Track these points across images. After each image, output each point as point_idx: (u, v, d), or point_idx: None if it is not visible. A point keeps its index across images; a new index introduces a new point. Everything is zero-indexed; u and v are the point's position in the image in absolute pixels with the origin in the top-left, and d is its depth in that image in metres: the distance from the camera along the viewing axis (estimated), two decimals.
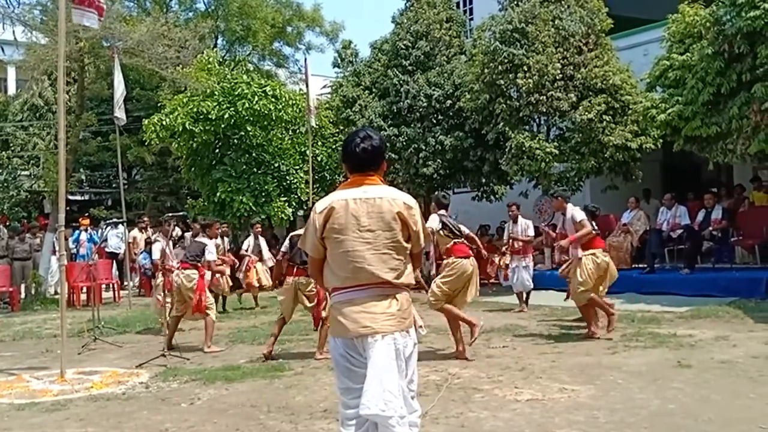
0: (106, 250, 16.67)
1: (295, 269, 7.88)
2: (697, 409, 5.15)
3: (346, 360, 3.24)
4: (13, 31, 14.01)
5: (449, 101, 15.54)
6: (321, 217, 3.29)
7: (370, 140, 3.34)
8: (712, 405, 5.26)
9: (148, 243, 13.29)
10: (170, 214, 10.77)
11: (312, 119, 15.36)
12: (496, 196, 16.83)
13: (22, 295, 14.81)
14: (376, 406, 3.06)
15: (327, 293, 3.56)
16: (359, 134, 3.39)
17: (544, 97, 13.56)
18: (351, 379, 3.24)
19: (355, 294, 3.25)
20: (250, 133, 17.18)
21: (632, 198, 13.68)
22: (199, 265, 8.68)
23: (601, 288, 8.50)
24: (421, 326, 3.46)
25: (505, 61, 13.74)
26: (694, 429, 4.75)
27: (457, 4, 19.55)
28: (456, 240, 7.62)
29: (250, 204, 16.54)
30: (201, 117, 16.60)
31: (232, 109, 16.50)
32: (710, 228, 12.26)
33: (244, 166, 17.19)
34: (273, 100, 16.80)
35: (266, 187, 16.98)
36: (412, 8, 16.81)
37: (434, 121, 15.79)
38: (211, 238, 9.25)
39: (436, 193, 8.83)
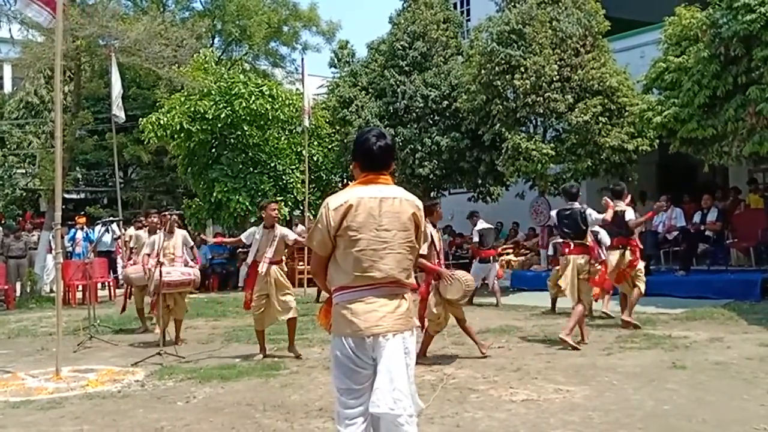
0: (98, 249, 16.59)
1: None
2: (692, 410, 5.17)
3: (351, 361, 3.21)
4: (10, 29, 14.03)
5: (446, 102, 15.55)
6: (337, 215, 3.23)
7: (384, 138, 3.34)
8: (707, 406, 5.28)
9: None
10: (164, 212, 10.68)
11: (306, 120, 15.30)
12: (492, 197, 16.86)
13: (18, 293, 14.79)
14: (386, 404, 3.08)
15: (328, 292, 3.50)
16: (372, 132, 3.36)
17: (541, 99, 13.57)
18: (352, 380, 3.23)
19: (365, 293, 3.22)
20: (247, 133, 17.19)
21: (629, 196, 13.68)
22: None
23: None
24: (417, 326, 3.47)
25: (502, 62, 13.75)
26: (688, 430, 4.77)
27: (455, 5, 19.56)
28: None
29: (246, 204, 16.53)
30: (198, 116, 16.60)
31: (228, 108, 16.50)
32: (702, 226, 12.30)
33: (241, 166, 17.19)
34: (270, 99, 16.81)
35: (262, 186, 16.98)
36: (409, 9, 16.82)
37: (431, 122, 15.80)
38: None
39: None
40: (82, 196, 27.33)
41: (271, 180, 17.43)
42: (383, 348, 3.16)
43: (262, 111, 16.63)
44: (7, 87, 28.50)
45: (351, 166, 3.44)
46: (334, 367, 3.31)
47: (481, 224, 12.51)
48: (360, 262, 3.22)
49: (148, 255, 9.45)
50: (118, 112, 13.85)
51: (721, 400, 5.45)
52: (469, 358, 7.47)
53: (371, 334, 3.17)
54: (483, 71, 14.10)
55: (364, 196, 3.26)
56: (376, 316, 3.19)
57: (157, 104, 18.27)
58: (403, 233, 3.29)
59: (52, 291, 14.77)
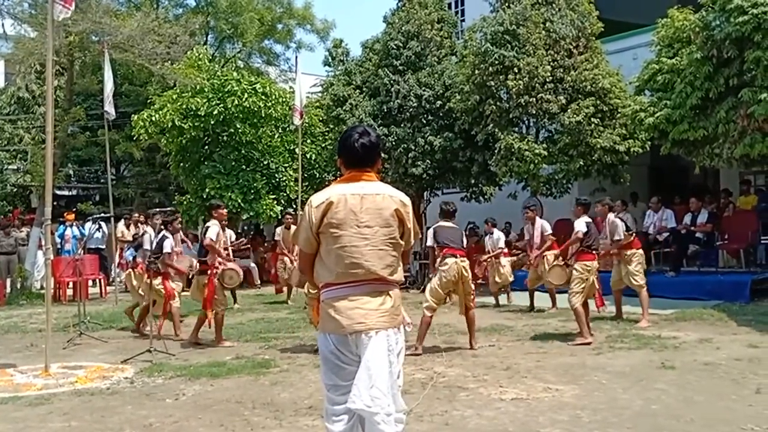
0: (89, 246, 16.50)
1: None
2: (680, 410, 5.19)
3: (336, 357, 3.23)
4: (2, 24, 13.95)
5: (439, 102, 15.56)
6: (318, 212, 3.26)
7: (368, 136, 3.35)
8: (695, 406, 5.31)
9: (135, 238, 13.17)
10: (158, 209, 10.68)
11: (296, 118, 15.11)
12: (485, 196, 16.88)
13: (8, 290, 14.72)
14: (362, 401, 3.08)
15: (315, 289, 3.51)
16: (357, 130, 3.38)
17: (534, 99, 13.62)
18: (339, 376, 3.24)
19: (349, 290, 3.23)
20: (240, 130, 17.13)
21: (619, 201, 13.74)
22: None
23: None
24: (408, 323, 3.47)
25: (496, 62, 13.78)
26: (677, 429, 4.79)
27: (449, 5, 19.56)
28: None
29: (239, 201, 16.49)
30: (190, 113, 16.54)
31: (221, 105, 16.44)
32: (693, 228, 12.35)
33: (233, 163, 17.13)
34: (263, 97, 16.76)
35: (255, 184, 16.94)
36: (403, 8, 16.82)
37: (424, 122, 15.80)
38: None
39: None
40: (74, 192, 27.19)
41: (264, 178, 17.39)
42: (366, 345, 3.17)
43: (255, 108, 16.58)
44: (0, 82, 28.35)
45: (337, 163, 3.46)
46: (321, 364, 3.33)
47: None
48: (342, 259, 3.23)
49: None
50: (109, 109, 13.80)
51: (709, 400, 5.48)
52: (459, 356, 7.49)
53: (353, 331, 3.18)
54: (476, 71, 14.13)
55: (346, 192, 3.28)
56: (360, 314, 3.19)
57: (149, 101, 18.21)
58: (386, 229, 3.28)
59: (42, 287, 14.70)
